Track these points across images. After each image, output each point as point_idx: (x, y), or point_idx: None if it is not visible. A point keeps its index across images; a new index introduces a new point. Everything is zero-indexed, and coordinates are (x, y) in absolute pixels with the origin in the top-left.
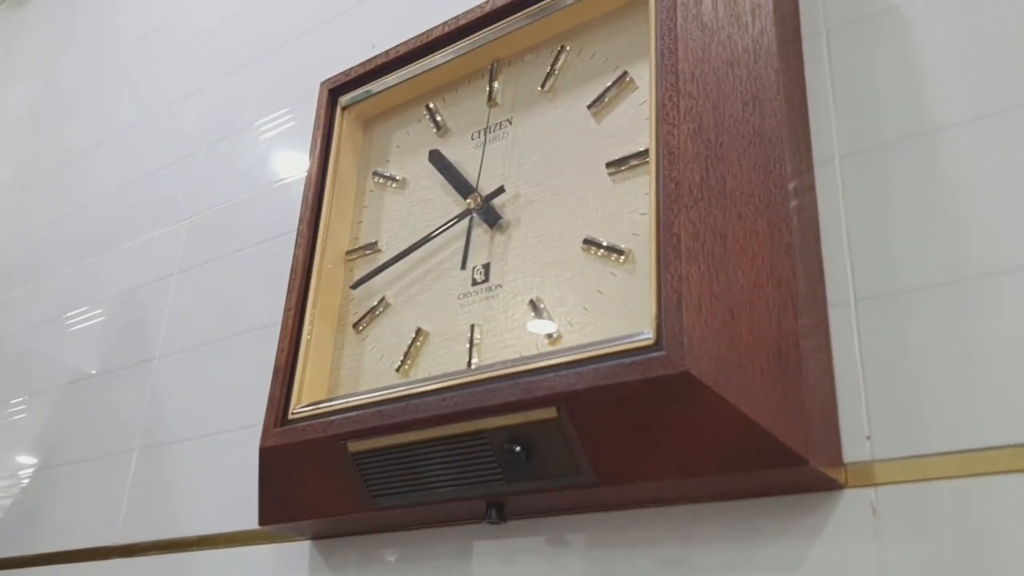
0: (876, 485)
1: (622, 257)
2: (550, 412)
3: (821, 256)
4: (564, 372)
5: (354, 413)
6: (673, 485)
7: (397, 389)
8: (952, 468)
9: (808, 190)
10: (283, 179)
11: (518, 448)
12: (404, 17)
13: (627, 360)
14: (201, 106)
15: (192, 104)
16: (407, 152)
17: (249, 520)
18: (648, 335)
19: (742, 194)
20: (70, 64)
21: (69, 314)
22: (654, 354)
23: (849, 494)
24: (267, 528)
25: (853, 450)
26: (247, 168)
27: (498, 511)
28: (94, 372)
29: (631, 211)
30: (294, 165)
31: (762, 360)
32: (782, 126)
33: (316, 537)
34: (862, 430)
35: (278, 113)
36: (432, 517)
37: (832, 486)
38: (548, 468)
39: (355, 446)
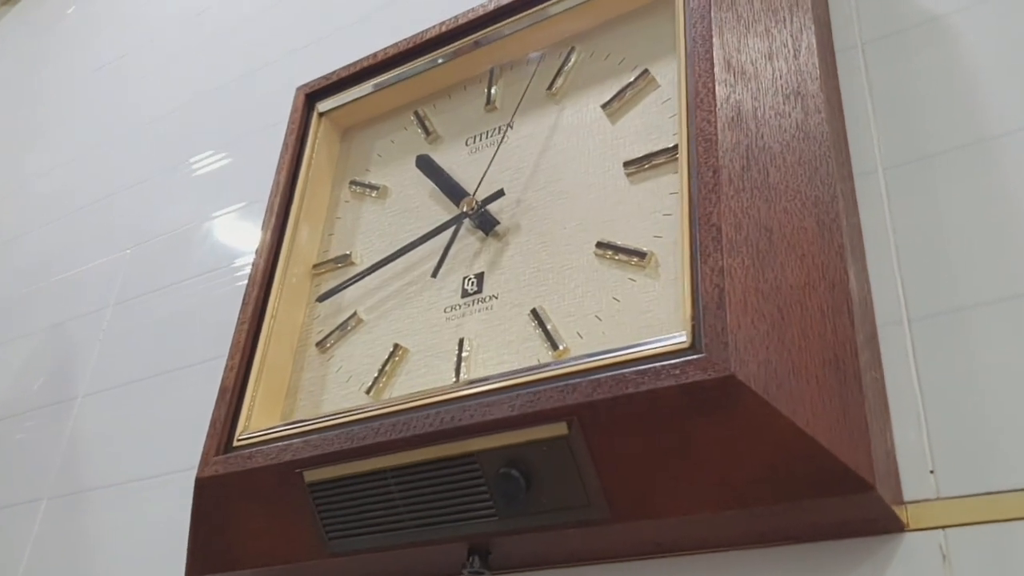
0: (945, 527)
1: (643, 261)
2: (559, 428)
3: (867, 271)
4: (577, 380)
5: (314, 436)
6: (700, 523)
7: (368, 410)
8: None
9: (850, 200)
10: (238, 206)
11: (516, 473)
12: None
13: (657, 365)
14: (157, 132)
15: (148, 130)
16: (390, 160)
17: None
18: (682, 337)
19: (787, 188)
20: (34, 88)
21: None
22: (692, 357)
23: (913, 538)
24: None
25: (915, 486)
26: (199, 195)
27: (482, 559)
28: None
29: (653, 212)
30: (252, 190)
31: (817, 368)
32: (826, 123)
33: None
34: (924, 463)
35: (236, 138)
36: (399, 569)
37: (893, 527)
38: (551, 499)
39: (313, 475)
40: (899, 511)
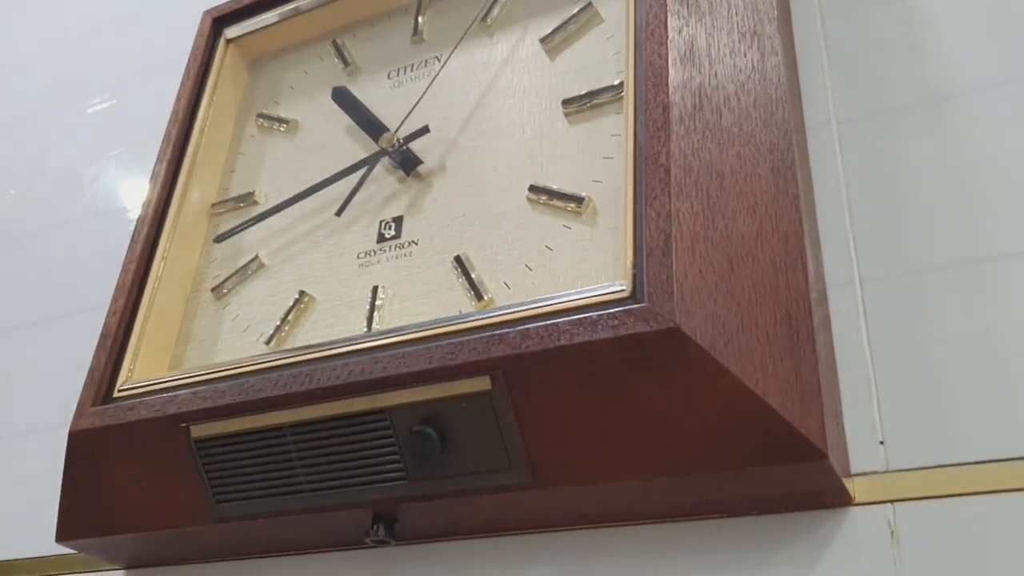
0: (893, 501)
1: (580, 206)
2: (481, 383)
3: (817, 228)
4: (505, 331)
5: (203, 388)
6: (630, 491)
7: (265, 360)
8: (987, 480)
9: (803, 153)
10: (134, 143)
11: (431, 431)
12: None
13: (594, 315)
14: (48, 66)
15: (37, 64)
16: (302, 92)
17: (44, 543)
18: (622, 285)
19: (741, 132)
20: None
21: None
22: (632, 306)
23: (860, 512)
24: (68, 547)
25: (864, 457)
26: (92, 131)
27: (388, 527)
28: None
29: (592, 155)
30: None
31: (768, 325)
32: (783, 66)
33: (132, 565)
34: (874, 433)
35: (135, 73)
36: (296, 537)
37: (840, 500)
38: (468, 461)
39: (201, 430)
40: (846, 484)
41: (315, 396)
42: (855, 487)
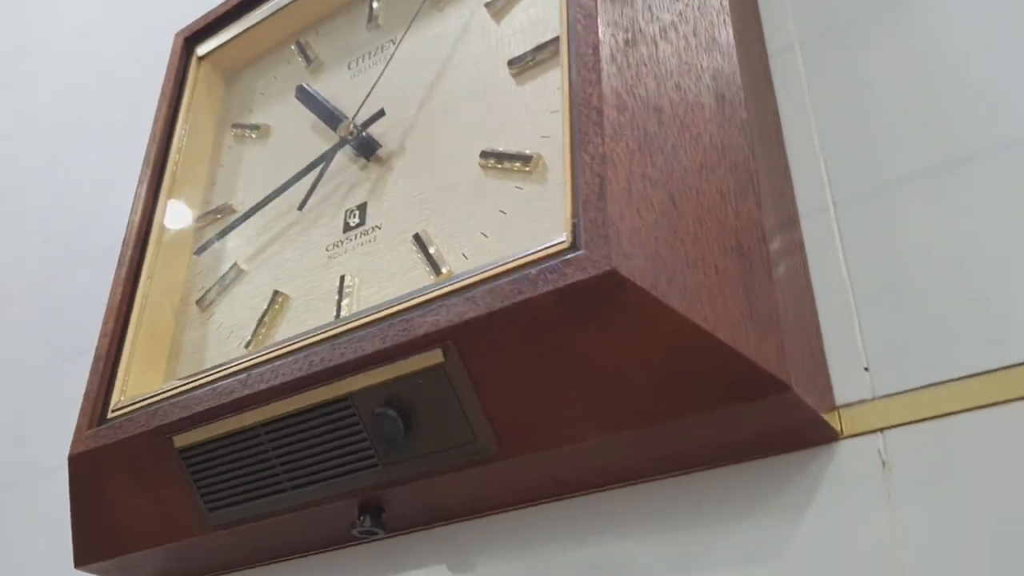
0: (882, 430)
1: (528, 165)
2: (434, 356)
3: (786, 156)
4: (452, 300)
5: (182, 397)
6: (598, 451)
7: (236, 362)
8: (978, 394)
9: (763, 80)
10: None
11: (391, 412)
12: None
13: (533, 271)
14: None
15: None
16: (272, 97)
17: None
18: (563, 237)
19: (680, 62)
20: None
21: None
22: (570, 256)
23: (848, 446)
24: (89, 572)
25: (848, 387)
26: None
27: (374, 517)
28: None
29: (539, 112)
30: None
31: (717, 257)
32: None
33: None
34: (858, 360)
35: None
36: (291, 538)
37: (826, 436)
38: (434, 438)
39: (183, 439)
40: (831, 417)
41: (280, 391)
42: (842, 419)
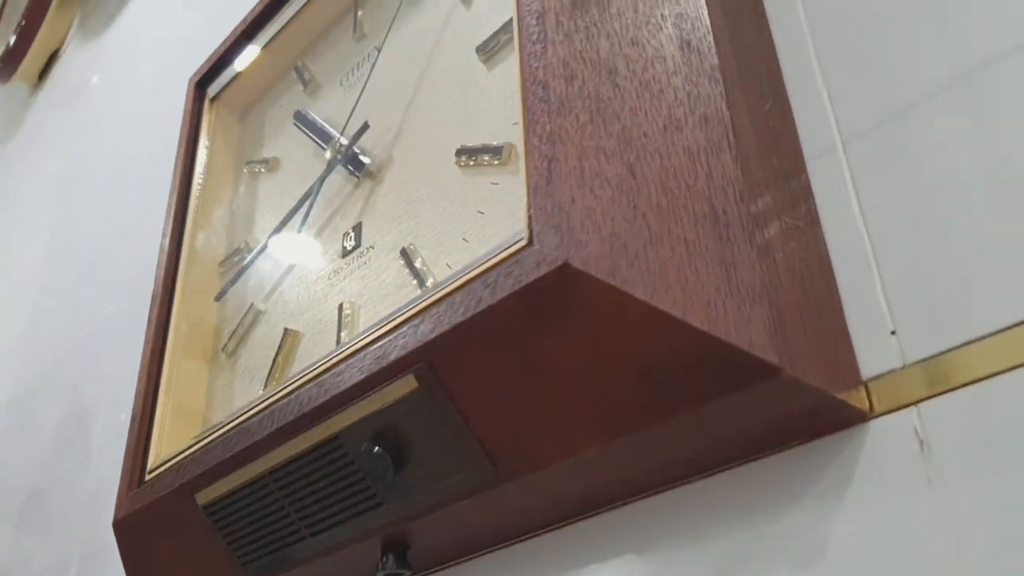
0: (917, 403)
1: (499, 156)
2: (408, 383)
3: (786, 98)
4: (419, 320)
5: (199, 452)
6: (604, 463)
7: (242, 411)
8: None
9: (748, 10)
10: None
11: (378, 449)
12: None
13: (493, 275)
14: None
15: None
16: (278, 127)
17: None
18: (522, 235)
19: (636, 13)
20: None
21: None
22: (526, 254)
23: (879, 426)
24: None
25: (874, 356)
26: None
27: (399, 556)
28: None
29: (508, 96)
30: None
31: (686, 227)
32: None
33: None
34: (883, 324)
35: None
36: None
37: (850, 418)
38: (429, 470)
39: (204, 496)
40: (855, 395)
41: (279, 436)
42: (871, 395)
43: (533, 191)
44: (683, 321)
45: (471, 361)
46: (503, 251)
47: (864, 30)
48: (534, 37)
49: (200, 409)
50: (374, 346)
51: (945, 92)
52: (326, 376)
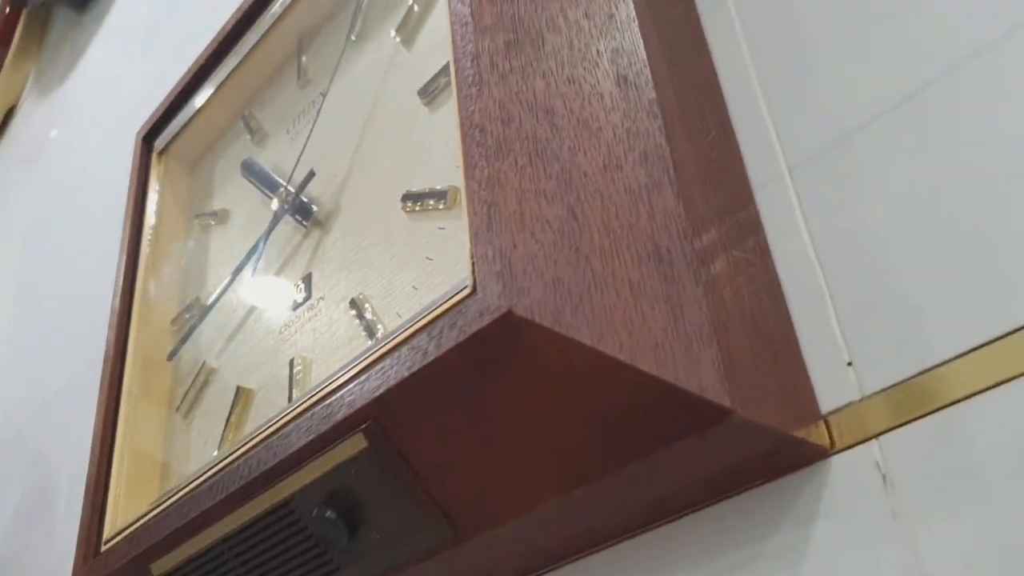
0: (878, 436)
1: (444, 201)
2: (358, 442)
3: (730, 123)
4: (365, 375)
5: (153, 522)
6: (561, 513)
7: (195, 477)
8: (993, 368)
9: (688, 42)
10: None
11: (330, 513)
12: None
13: (439, 325)
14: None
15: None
16: (227, 177)
17: None
18: (467, 282)
19: (572, 50)
20: None
21: None
22: (469, 303)
23: (840, 462)
24: None
25: (832, 389)
26: None
27: None
28: None
29: (451, 139)
30: None
31: (630, 268)
32: None
33: None
34: (839, 355)
35: None
36: None
37: (810, 455)
38: (384, 533)
39: (160, 567)
40: (816, 432)
41: (230, 503)
42: (831, 430)
43: (475, 237)
44: (631, 366)
45: (420, 417)
46: (448, 300)
47: (806, 56)
48: (469, 80)
49: (157, 474)
50: (321, 404)
51: (888, 115)
52: (275, 438)
